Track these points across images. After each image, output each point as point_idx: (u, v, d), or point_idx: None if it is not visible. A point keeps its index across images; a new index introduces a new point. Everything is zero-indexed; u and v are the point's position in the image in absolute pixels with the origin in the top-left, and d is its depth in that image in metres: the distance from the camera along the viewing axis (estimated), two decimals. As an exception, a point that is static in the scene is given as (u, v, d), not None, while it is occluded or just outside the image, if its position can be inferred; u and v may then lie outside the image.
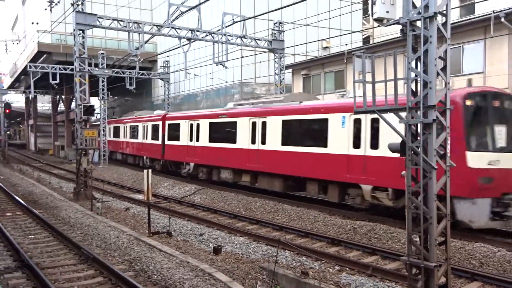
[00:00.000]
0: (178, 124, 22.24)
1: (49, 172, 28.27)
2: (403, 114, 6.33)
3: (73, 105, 38.70)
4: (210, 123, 19.45)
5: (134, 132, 29.02)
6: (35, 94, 43.44)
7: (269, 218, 13.44)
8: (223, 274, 7.69)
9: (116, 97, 50.54)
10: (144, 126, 26.99)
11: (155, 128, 25.17)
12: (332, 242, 10.47)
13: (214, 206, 15.42)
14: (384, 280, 7.98)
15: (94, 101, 33.24)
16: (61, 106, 50.04)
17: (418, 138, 6.05)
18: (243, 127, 17.12)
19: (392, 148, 6.64)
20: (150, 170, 11.51)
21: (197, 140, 20.26)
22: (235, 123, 17.65)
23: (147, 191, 11.40)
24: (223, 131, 18.60)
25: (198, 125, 20.37)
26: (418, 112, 6.01)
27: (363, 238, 10.70)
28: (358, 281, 7.77)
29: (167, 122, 23.58)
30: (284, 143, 15.18)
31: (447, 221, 6.14)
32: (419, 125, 6.04)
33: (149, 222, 11.55)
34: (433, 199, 5.88)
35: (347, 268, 8.62)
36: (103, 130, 33.85)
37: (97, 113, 33.63)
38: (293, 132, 15.04)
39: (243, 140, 17.09)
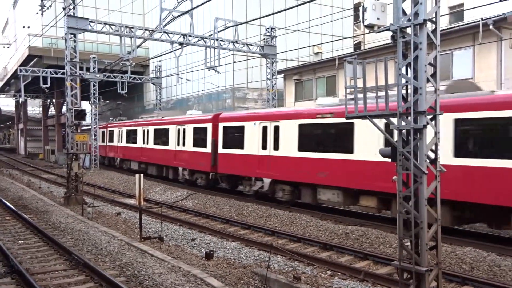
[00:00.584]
0: (242, 127, 16.95)
1: (39, 177, 27.99)
2: (394, 120, 6.40)
3: (64, 109, 38.43)
4: (301, 126, 14.47)
5: (161, 137, 23.47)
6: (26, 98, 43.13)
7: (261, 223, 13.44)
8: (215, 279, 7.67)
9: (108, 101, 50.30)
10: (179, 129, 21.52)
11: (200, 132, 19.74)
12: (324, 247, 10.50)
13: (206, 211, 15.38)
14: (376, 284, 8.02)
15: (85, 105, 33.08)
16: (52, 110, 49.67)
17: (409, 143, 6.12)
18: (366, 130, 11.99)
19: (383, 154, 6.70)
20: (142, 175, 11.46)
21: (276, 148, 15.33)
22: (350, 125, 12.74)
23: (139, 196, 11.35)
24: (325, 136, 14.00)
25: (276, 127, 15.44)
26: (409, 118, 6.08)
27: (355, 243, 10.75)
28: (350, 286, 7.81)
29: (221, 125, 18.17)
30: (461, 154, 10.29)
31: (438, 226, 6.20)
32: (410, 130, 6.11)
33: (140, 227, 11.49)
34: (424, 204, 5.95)
35: (339, 273, 8.65)
36: (95, 135, 33.56)
37: (94, 114, 33.23)
38: (482, 138, 10.23)
39: (365, 149, 12.29)
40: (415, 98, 5.98)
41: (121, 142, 29.53)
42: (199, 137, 19.87)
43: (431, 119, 6.16)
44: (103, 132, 33.70)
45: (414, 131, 6.02)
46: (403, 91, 6.29)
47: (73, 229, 12.06)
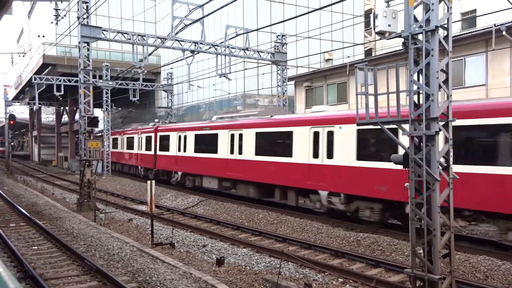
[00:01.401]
0: None
1: (53, 183, 28.33)
2: (406, 126, 6.38)
3: (77, 116, 38.88)
4: None
5: (275, 144, 16.20)
6: (40, 105, 43.76)
7: (272, 229, 13.41)
8: (226, 286, 7.67)
9: (120, 108, 50.86)
10: (317, 132, 14.18)
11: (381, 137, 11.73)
12: (336, 254, 10.44)
13: (217, 218, 15.40)
14: (388, 292, 7.94)
15: (98, 113, 33.40)
16: (65, 118, 50.33)
17: (421, 150, 6.09)
18: None
19: (395, 160, 6.68)
20: (153, 181, 11.53)
21: None
22: None
23: (150, 202, 11.42)
24: None
25: None
26: (421, 124, 6.06)
27: (366, 250, 10.67)
28: (362, 294, 7.74)
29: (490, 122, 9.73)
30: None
31: (451, 233, 6.14)
32: (422, 137, 6.08)
33: (152, 233, 11.55)
34: (437, 211, 5.90)
35: (350, 281, 8.59)
36: (107, 141, 33.79)
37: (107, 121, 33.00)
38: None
39: None
40: (427, 105, 5.96)
41: (184, 151, 22.15)
42: (380, 145, 12.47)
43: (444, 126, 6.13)
44: (147, 138, 26.77)
45: (426, 137, 5.99)
46: (415, 98, 6.27)
47: (85, 235, 12.17)
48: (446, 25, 6.15)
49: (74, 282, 8.26)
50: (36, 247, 11.01)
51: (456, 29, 24.31)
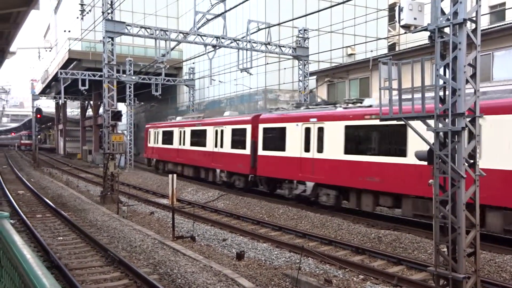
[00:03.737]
0: None
1: (77, 176, 28.98)
2: (431, 122, 6.24)
3: (101, 110, 39.54)
4: None
5: None
6: (65, 99, 44.68)
7: (292, 225, 13.39)
8: (246, 280, 7.70)
9: (142, 103, 51.50)
10: None
11: None
12: (356, 251, 10.34)
13: (237, 212, 15.47)
14: (409, 290, 7.82)
15: (121, 107, 33.84)
16: (89, 112, 51.31)
17: (446, 146, 5.95)
18: None
19: (419, 156, 6.55)
20: (175, 175, 11.64)
21: None
22: None
23: (172, 196, 11.54)
24: None
25: None
26: (447, 120, 5.92)
27: (388, 247, 10.53)
28: (383, 291, 7.64)
29: None
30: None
31: (477, 232, 6.00)
32: (448, 133, 5.94)
33: (173, 227, 11.68)
34: (462, 209, 5.76)
35: (371, 278, 8.50)
36: (130, 135, 34.24)
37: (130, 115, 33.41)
38: None
39: None
40: (453, 100, 5.81)
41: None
42: None
43: (470, 122, 5.98)
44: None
45: (452, 133, 5.85)
46: (441, 93, 6.13)
47: (109, 227, 12.41)
48: (474, 18, 5.98)
49: (97, 273, 8.45)
50: (61, 238, 11.29)
51: (484, 22, 23.64)
